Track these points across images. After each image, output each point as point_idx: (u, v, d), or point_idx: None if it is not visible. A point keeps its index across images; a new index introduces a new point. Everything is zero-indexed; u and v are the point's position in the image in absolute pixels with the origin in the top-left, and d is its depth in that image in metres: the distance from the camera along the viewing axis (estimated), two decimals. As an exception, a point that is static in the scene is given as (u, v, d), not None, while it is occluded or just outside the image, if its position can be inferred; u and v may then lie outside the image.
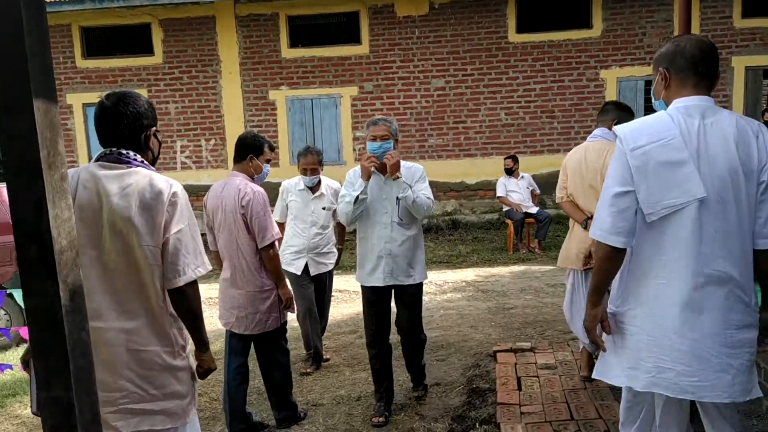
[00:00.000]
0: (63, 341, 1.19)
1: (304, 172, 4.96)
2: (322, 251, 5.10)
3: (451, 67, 11.50)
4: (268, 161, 3.96)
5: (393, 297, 4.10)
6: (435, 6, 11.35)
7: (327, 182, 5.13)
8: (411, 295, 4.05)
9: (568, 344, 4.90)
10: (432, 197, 4.13)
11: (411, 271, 3.97)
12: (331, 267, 5.22)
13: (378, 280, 3.92)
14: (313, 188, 5.04)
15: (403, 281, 3.96)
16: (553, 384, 4.01)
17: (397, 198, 3.85)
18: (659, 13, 11.11)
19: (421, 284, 4.10)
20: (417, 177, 4.08)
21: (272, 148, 4.11)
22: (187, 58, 11.73)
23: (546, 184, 11.20)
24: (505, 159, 9.98)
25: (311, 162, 4.93)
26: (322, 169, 5.07)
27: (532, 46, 11.37)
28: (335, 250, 5.26)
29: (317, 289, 5.15)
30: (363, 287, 4.03)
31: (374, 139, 3.83)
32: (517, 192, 9.72)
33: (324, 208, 5.03)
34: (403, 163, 4.18)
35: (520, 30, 11.38)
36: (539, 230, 9.51)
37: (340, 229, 5.25)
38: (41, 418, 1.23)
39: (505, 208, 9.76)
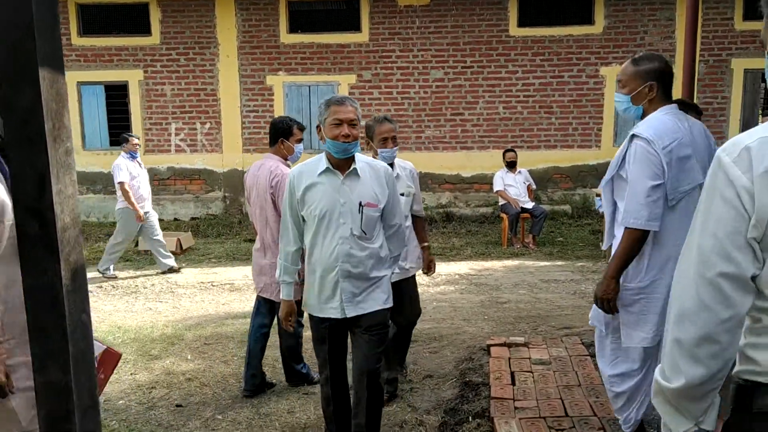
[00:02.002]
0: (63, 322, 1.14)
1: (383, 143, 3.92)
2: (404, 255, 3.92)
3: (451, 59, 11.43)
4: (299, 141, 4.39)
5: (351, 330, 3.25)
6: (437, -4, 11.26)
7: (398, 162, 4.10)
8: (375, 327, 3.15)
9: (561, 340, 4.89)
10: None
11: (375, 296, 3.13)
12: (413, 271, 4.16)
13: (334, 311, 3.08)
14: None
15: (367, 308, 3.11)
16: (548, 380, 3.99)
17: (360, 204, 3.00)
18: (662, 12, 11.07)
19: (388, 311, 3.22)
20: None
21: (302, 128, 4.47)
22: (185, 40, 11.60)
23: (542, 179, 11.20)
24: (507, 152, 9.93)
25: (392, 130, 3.97)
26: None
27: (532, 40, 11.31)
28: (417, 251, 4.17)
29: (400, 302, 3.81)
30: (313, 319, 3.18)
31: (339, 123, 2.93)
32: (514, 186, 9.70)
33: (403, 195, 3.88)
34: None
35: (521, 24, 11.31)
36: (534, 225, 9.49)
37: (419, 223, 4.17)
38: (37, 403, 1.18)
39: (501, 202, 9.74)
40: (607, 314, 2.88)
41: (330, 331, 3.17)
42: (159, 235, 8.34)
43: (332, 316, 3.11)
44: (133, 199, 7.89)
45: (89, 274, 8.24)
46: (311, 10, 11.68)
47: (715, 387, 1.33)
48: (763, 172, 1.20)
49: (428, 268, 4.21)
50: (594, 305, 2.95)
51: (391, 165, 3.92)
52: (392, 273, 3.31)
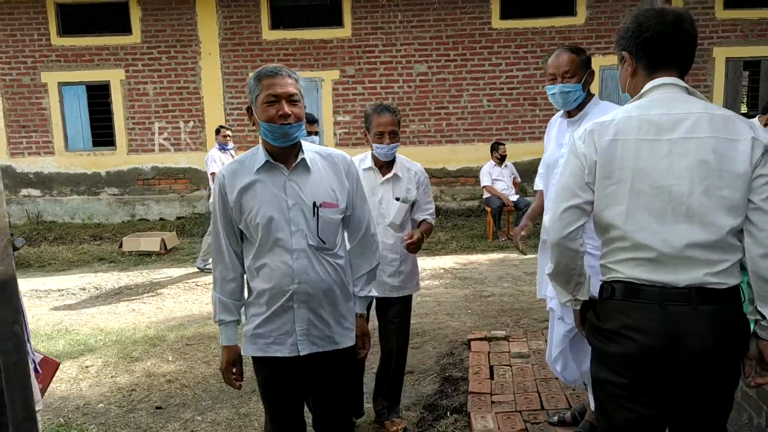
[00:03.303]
0: (-7, 334, 1.12)
1: (379, 137, 3.36)
2: (393, 268, 3.48)
3: (434, 53, 11.41)
4: (312, 133, 4.29)
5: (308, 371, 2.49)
6: (418, -10, 11.23)
7: (403, 161, 3.54)
8: (338, 370, 2.50)
9: (542, 333, 4.90)
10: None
11: (342, 326, 2.46)
12: (409, 291, 3.62)
13: (286, 350, 2.39)
14: (386, 165, 3.49)
15: (329, 346, 2.43)
16: (525, 373, 4.00)
17: (315, 204, 2.33)
18: (643, 2, 11.04)
19: (355, 351, 2.55)
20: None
21: (312, 121, 4.36)
22: (166, 38, 11.52)
23: (527, 171, 11.20)
24: (500, 146, 9.93)
25: (391, 122, 3.36)
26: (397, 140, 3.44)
27: (515, 32, 11.30)
28: (416, 270, 3.67)
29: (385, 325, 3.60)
30: (258, 361, 2.46)
31: (274, 100, 2.26)
32: (501, 180, 9.72)
33: (399, 200, 3.46)
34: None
35: (503, 16, 11.30)
36: (519, 218, 9.50)
37: (425, 225, 3.62)
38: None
39: (486, 195, 9.74)
40: None
41: (278, 377, 2.44)
42: None
43: (281, 355, 2.39)
44: None
45: (76, 276, 8.23)
46: (293, 6, 11.62)
47: (570, 272, 2.01)
48: (605, 144, 1.89)
49: (410, 245, 3.39)
50: None
51: (390, 164, 3.45)
52: (368, 296, 2.60)
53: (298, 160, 2.35)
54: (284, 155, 2.34)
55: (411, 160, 3.60)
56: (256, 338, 2.42)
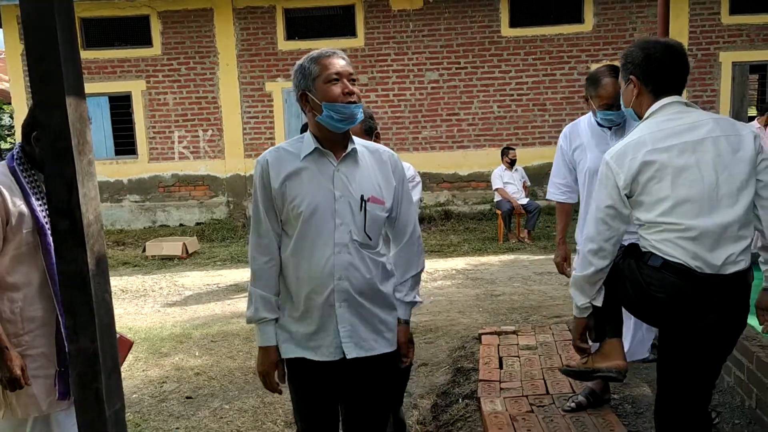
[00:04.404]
0: (90, 300, 1.41)
1: None
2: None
3: (445, 61, 11.70)
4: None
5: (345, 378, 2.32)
6: (429, 0, 11.53)
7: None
8: (380, 377, 2.34)
9: (550, 327, 5.14)
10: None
11: (387, 329, 2.31)
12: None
13: (326, 352, 2.24)
14: None
15: (373, 350, 2.26)
16: (533, 363, 4.25)
17: (363, 199, 2.21)
18: (649, 9, 11.30)
19: (397, 358, 2.39)
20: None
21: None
22: (185, 50, 11.90)
23: (537, 175, 11.45)
24: (510, 151, 10.19)
25: (353, 132, 2.79)
26: (378, 141, 3.09)
27: (524, 40, 11.57)
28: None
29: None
30: (291, 363, 2.31)
31: (338, 78, 2.15)
32: (512, 184, 9.99)
33: None
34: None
35: (512, 24, 11.58)
36: (528, 221, 9.76)
37: None
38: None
39: (497, 198, 10.00)
40: None
41: (317, 383, 2.29)
42: None
43: (322, 359, 2.23)
44: None
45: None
46: (307, 17, 11.97)
47: (602, 276, 2.34)
48: (641, 156, 2.24)
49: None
50: None
51: None
52: (413, 302, 2.41)
53: (349, 150, 2.23)
54: (334, 144, 2.22)
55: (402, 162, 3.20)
56: (294, 339, 2.25)
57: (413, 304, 2.40)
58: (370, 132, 3.07)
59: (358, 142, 2.29)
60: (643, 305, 2.32)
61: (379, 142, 2.98)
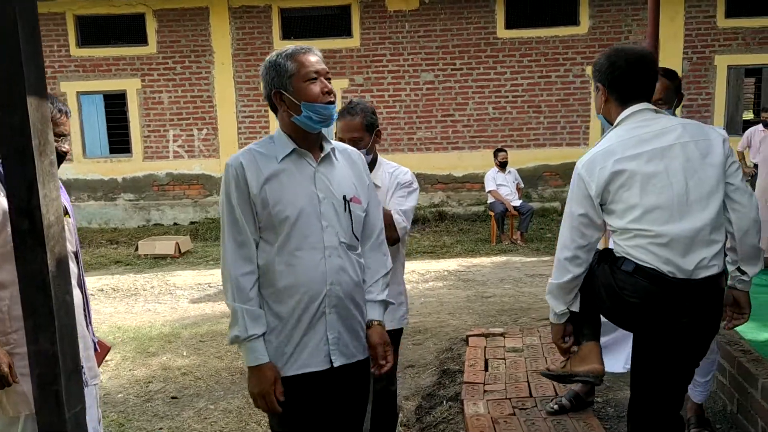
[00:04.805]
0: (50, 302, 1.40)
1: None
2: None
3: (440, 62, 11.70)
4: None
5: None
6: (425, 1, 11.53)
7: (388, 167, 3.01)
8: (364, 383, 2.29)
9: (537, 330, 5.14)
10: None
11: (362, 332, 2.26)
12: (392, 325, 2.87)
13: (315, 361, 2.13)
14: None
15: (354, 356, 2.20)
16: (518, 366, 4.24)
17: (345, 198, 2.16)
18: (645, 12, 11.28)
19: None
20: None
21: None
22: (181, 49, 11.89)
23: (532, 177, 11.46)
24: (500, 152, 10.19)
25: (352, 127, 2.83)
26: (378, 140, 2.96)
27: (519, 42, 11.57)
28: (401, 298, 3.01)
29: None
30: (286, 379, 2.12)
31: (316, 77, 2.09)
32: (505, 186, 9.98)
33: None
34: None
35: (508, 26, 11.58)
36: (521, 222, 9.75)
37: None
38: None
39: (490, 200, 10.00)
40: None
41: (308, 396, 2.15)
42: None
43: (314, 369, 2.12)
44: None
45: (94, 278, 8.56)
46: (303, 16, 11.96)
47: (578, 283, 2.35)
48: (611, 164, 2.24)
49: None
50: None
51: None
52: (387, 301, 2.33)
53: (327, 150, 2.17)
54: (311, 144, 2.15)
55: (398, 165, 3.04)
56: (280, 351, 2.10)
57: (386, 303, 2.32)
58: (371, 128, 2.86)
59: (330, 141, 2.23)
60: (617, 309, 2.32)
61: (379, 141, 2.95)
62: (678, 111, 3.29)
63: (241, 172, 2.07)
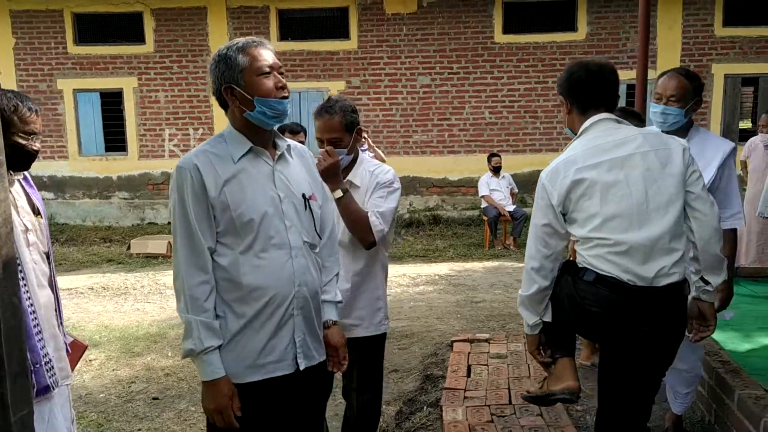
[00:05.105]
0: (-4, 303, 1.38)
1: (320, 143, 2.78)
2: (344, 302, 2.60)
3: (438, 65, 11.69)
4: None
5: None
6: (423, 5, 11.52)
7: (368, 166, 2.84)
8: (325, 386, 2.33)
9: (523, 336, 5.11)
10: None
11: (320, 333, 2.20)
12: (370, 331, 2.86)
13: (283, 366, 2.07)
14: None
15: (315, 358, 2.15)
16: (500, 372, 4.22)
17: (305, 197, 2.12)
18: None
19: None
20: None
21: (297, 131, 4.38)
22: (178, 48, 11.88)
23: (527, 182, 11.44)
24: (493, 157, 10.18)
25: (331, 127, 2.72)
26: (360, 141, 2.94)
27: (517, 47, 11.56)
28: (380, 303, 2.89)
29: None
30: (243, 390, 2.02)
31: (269, 71, 2.01)
32: (498, 191, 9.97)
33: None
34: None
35: (506, 31, 11.57)
36: (515, 228, 9.74)
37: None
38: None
39: (483, 205, 9.99)
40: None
41: (274, 402, 2.09)
42: None
43: (281, 373, 2.06)
44: None
45: (85, 276, 8.54)
46: (301, 18, 11.95)
47: (547, 293, 2.36)
48: (572, 173, 2.28)
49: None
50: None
51: (346, 171, 2.77)
52: (341, 301, 2.33)
53: (283, 148, 2.12)
54: (265, 142, 2.08)
55: (380, 164, 2.90)
56: (243, 357, 2.01)
57: (340, 303, 2.31)
58: (351, 127, 2.73)
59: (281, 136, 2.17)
60: (580, 320, 2.32)
61: (360, 139, 2.87)
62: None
63: (197, 175, 1.97)
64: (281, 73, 2.04)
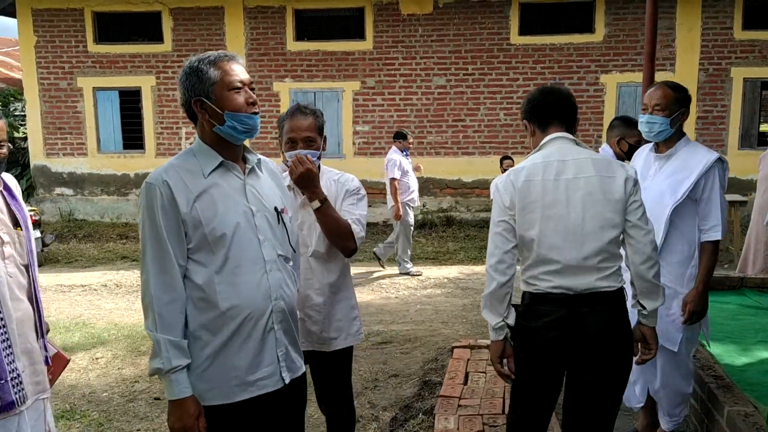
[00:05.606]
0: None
1: (291, 145, 2.71)
2: (320, 315, 2.74)
3: (453, 66, 11.66)
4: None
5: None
6: (439, 5, 11.50)
7: (331, 175, 2.86)
8: (301, 398, 2.28)
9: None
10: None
11: (299, 344, 2.23)
12: (345, 342, 2.83)
13: (270, 382, 2.07)
14: None
15: (298, 369, 2.18)
16: (497, 380, 4.21)
17: (277, 210, 2.14)
18: (662, 21, 11.14)
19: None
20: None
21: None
22: (195, 47, 11.98)
23: (541, 185, 11.37)
24: (506, 160, 10.12)
25: (306, 126, 2.70)
26: (323, 147, 2.81)
27: (533, 48, 11.49)
28: (353, 313, 2.88)
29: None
30: (225, 411, 2.02)
31: (240, 87, 2.01)
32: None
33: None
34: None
35: (522, 32, 11.50)
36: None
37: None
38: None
39: (495, 208, 9.95)
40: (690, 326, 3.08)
41: (264, 418, 2.09)
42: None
43: (270, 390, 2.06)
44: (399, 196, 8.18)
45: (99, 273, 8.67)
46: (317, 18, 12.00)
47: (507, 291, 2.39)
48: (520, 184, 2.40)
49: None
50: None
51: None
52: None
53: (254, 162, 2.13)
54: (235, 156, 2.08)
55: (342, 171, 2.90)
56: (234, 377, 1.99)
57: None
58: (322, 131, 2.76)
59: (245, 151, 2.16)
60: (528, 347, 2.44)
61: (325, 148, 2.83)
62: (692, 127, 3.24)
63: (167, 191, 1.94)
64: (252, 89, 2.05)
